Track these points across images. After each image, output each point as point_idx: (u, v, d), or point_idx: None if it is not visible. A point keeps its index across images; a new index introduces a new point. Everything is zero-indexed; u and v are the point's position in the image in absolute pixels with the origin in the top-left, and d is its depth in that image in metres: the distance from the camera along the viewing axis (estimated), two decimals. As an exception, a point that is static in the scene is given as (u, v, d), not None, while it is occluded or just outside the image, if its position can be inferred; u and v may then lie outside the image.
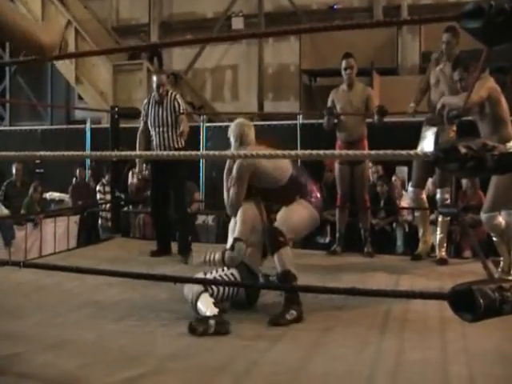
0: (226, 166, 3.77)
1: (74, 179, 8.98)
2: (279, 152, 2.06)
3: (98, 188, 8.36)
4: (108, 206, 7.44)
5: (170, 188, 5.23)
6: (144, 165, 6.04)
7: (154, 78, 5.24)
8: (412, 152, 1.98)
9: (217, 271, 3.45)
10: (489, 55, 2.44)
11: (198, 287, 3.25)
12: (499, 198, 4.08)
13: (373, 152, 2.04)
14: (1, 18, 1.64)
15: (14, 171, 8.44)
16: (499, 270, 4.30)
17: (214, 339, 2.90)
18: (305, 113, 9.65)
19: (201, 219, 7.95)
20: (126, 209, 7.98)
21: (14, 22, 1.68)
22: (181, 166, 5.17)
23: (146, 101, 5.38)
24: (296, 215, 3.49)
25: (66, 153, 2.33)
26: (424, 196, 5.29)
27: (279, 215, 3.51)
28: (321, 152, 1.97)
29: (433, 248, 5.45)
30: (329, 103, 5.56)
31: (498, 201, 4.10)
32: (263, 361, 2.62)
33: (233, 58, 12.77)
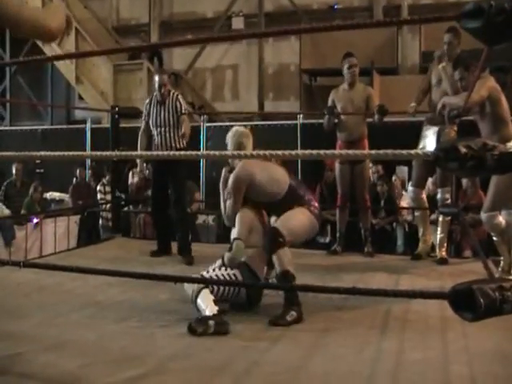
0: (222, 177, 3.77)
1: (75, 179, 8.99)
2: (279, 152, 2.06)
3: (98, 188, 8.37)
4: (108, 205, 7.44)
5: (171, 188, 5.23)
6: (145, 164, 6.04)
7: (156, 78, 5.22)
8: (412, 151, 1.98)
9: (219, 269, 3.45)
10: (489, 55, 2.44)
11: (203, 279, 3.27)
12: (499, 197, 4.09)
13: (373, 152, 2.04)
14: (6, 11, 1.66)
15: (13, 171, 8.45)
16: (499, 269, 4.30)
17: (213, 339, 2.90)
18: (305, 112, 9.65)
19: (201, 219, 7.96)
20: (126, 209, 7.99)
21: (20, 14, 1.70)
22: (181, 166, 5.16)
23: (147, 100, 5.37)
24: (296, 219, 3.49)
25: (66, 153, 2.33)
26: (424, 196, 5.30)
27: (279, 218, 3.51)
28: (321, 152, 1.97)
29: (433, 248, 5.45)
30: (329, 103, 5.55)
31: (499, 200, 4.10)
32: (263, 361, 2.62)
33: (233, 57, 12.78)
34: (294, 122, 8.56)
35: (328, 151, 2.61)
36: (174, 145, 5.14)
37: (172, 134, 5.14)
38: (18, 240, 7.03)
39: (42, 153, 3.02)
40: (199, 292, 3.21)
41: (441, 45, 4.98)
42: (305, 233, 3.58)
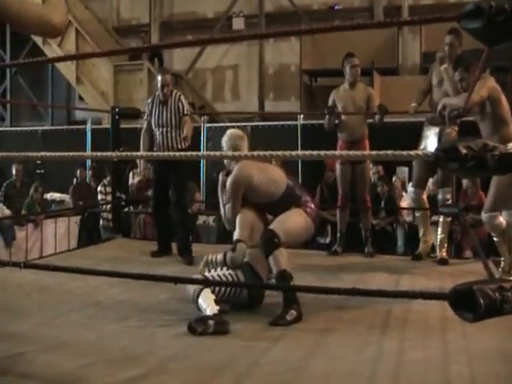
0: (219, 181, 3.78)
1: (75, 180, 8.98)
2: (280, 153, 2.06)
3: (99, 188, 8.36)
4: (109, 206, 7.44)
5: (172, 188, 5.22)
6: (148, 163, 6.04)
7: (159, 78, 5.20)
8: (412, 152, 1.98)
9: (221, 269, 3.45)
10: (489, 55, 2.44)
11: (203, 279, 3.27)
12: (500, 197, 4.09)
13: (373, 152, 2.04)
14: (7, 8, 1.66)
15: (13, 172, 8.45)
16: (500, 270, 4.30)
17: (214, 339, 2.90)
18: (305, 113, 9.65)
19: (201, 219, 7.95)
20: (126, 209, 7.98)
21: (22, 11, 1.70)
22: (183, 167, 5.16)
23: (150, 100, 5.35)
24: (292, 220, 3.49)
25: (66, 153, 2.34)
26: (425, 196, 5.29)
27: (275, 220, 3.52)
28: (321, 152, 1.98)
29: (433, 248, 5.46)
30: (329, 103, 5.54)
31: (499, 201, 4.10)
32: (263, 361, 2.62)
33: (233, 58, 12.79)
34: (295, 122, 8.56)
35: (328, 152, 2.61)
36: (175, 145, 5.13)
37: (174, 135, 5.13)
38: (18, 241, 7.03)
39: (43, 153, 3.02)
40: (200, 291, 3.22)
41: (441, 45, 4.98)
42: (300, 234, 3.58)
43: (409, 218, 7.11)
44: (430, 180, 5.73)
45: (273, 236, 3.33)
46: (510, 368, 2.59)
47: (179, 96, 5.22)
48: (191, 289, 3.28)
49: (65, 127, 11.70)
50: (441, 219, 5.20)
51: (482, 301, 1.55)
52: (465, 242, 6.59)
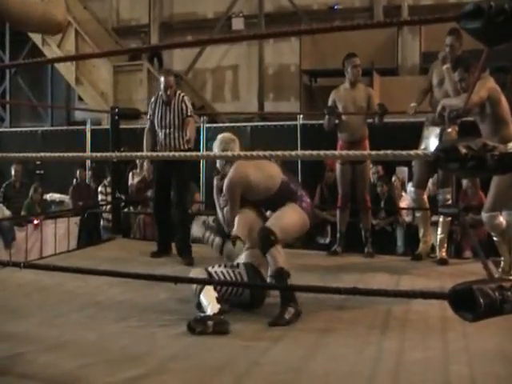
0: (214, 186, 3.78)
1: (75, 180, 8.99)
2: (279, 153, 2.06)
3: (99, 189, 8.37)
4: (109, 206, 7.44)
5: (173, 189, 5.22)
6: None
7: (162, 79, 5.16)
8: (412, 152, 1.99)
9: (225, 266, 3.46)
10: (489, 55, 2.44)
11: (203, 279, 3.28)
12: (500, 197, 4.09)
13: (373, 152, 2.04)
14: (8, 8, 1.67)
15: (13, 172, 8.44)
16: (500, 269, 4.31)
17: (213, 339, 2.90)
18: (305, 113, 9.65)
19: (201, 220, 7.93)
20: (126, 209, 7.98)
21: (24, 9, 1.71)
22: (185, 168, 5.16)
23: (153, 99, 5.32)
24: (287, 217, 3.49)
25: (66, 154, 2.34)
26: (425, 196, 5.29)
27: (271, 217, 3.53)
28: (321, 152, 1.98)
29: (433, 248, 5.46)
30: (330, 103, 5.53)
31: (499, 201, 4.10)
32: (263, 361, 2.62)
33: (233, 58, 12.79)
34: (294, 122, 8.56)
35: (328, 152, 2.61)
36: (178, 146, 5.11)
37: (177, 136, 5.12)
38: (18, 241, 7.03)
39: (42, 154, 3.03)
40: (203, 287, 3.22)
41: (441, 45, 4.98)
42: (296, 230, 3.58)
43: (408, 218, 7.12)
44: (430, 180, 5.73)
45: (269, 233, 3.33)
46: (510, 368, 2.59)
47: (183, 97, 5.18)
48: (194, 285, 3.28)
49: (64, 128, 11.71)
50: (441, 219, 5.20)
51: (481, 300, 1.55)
52: (465, 242, 6.60)
